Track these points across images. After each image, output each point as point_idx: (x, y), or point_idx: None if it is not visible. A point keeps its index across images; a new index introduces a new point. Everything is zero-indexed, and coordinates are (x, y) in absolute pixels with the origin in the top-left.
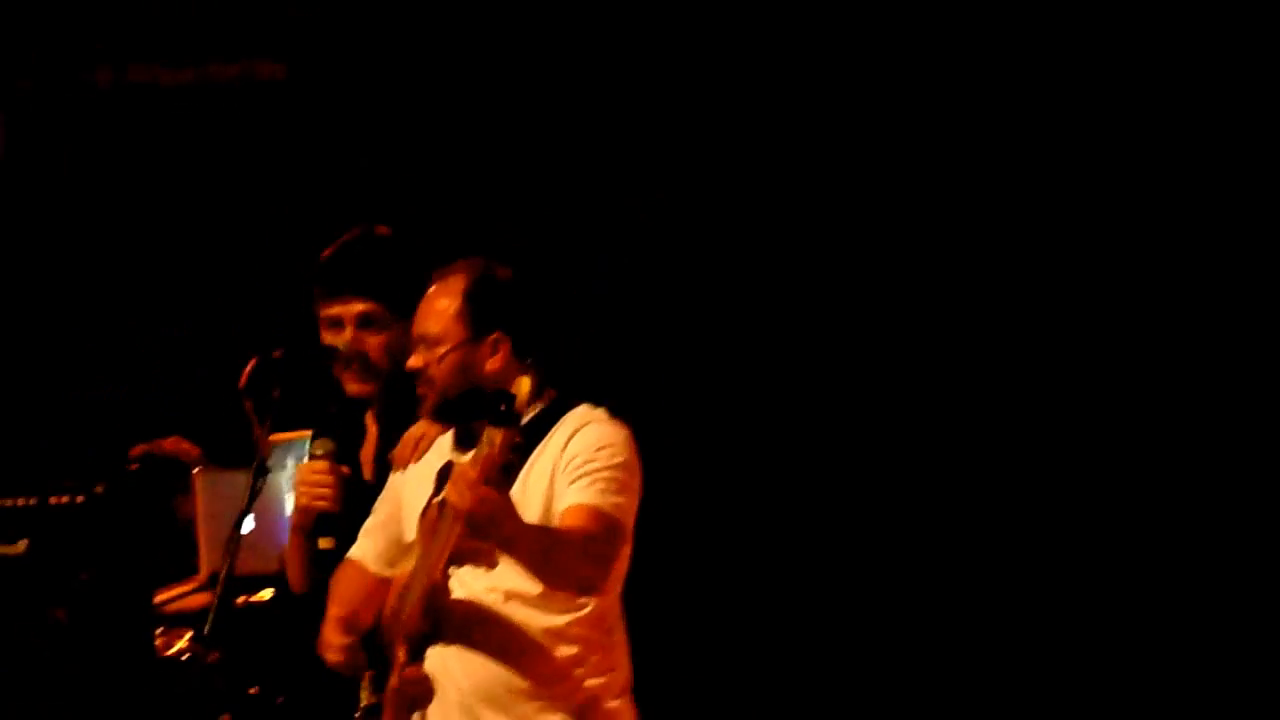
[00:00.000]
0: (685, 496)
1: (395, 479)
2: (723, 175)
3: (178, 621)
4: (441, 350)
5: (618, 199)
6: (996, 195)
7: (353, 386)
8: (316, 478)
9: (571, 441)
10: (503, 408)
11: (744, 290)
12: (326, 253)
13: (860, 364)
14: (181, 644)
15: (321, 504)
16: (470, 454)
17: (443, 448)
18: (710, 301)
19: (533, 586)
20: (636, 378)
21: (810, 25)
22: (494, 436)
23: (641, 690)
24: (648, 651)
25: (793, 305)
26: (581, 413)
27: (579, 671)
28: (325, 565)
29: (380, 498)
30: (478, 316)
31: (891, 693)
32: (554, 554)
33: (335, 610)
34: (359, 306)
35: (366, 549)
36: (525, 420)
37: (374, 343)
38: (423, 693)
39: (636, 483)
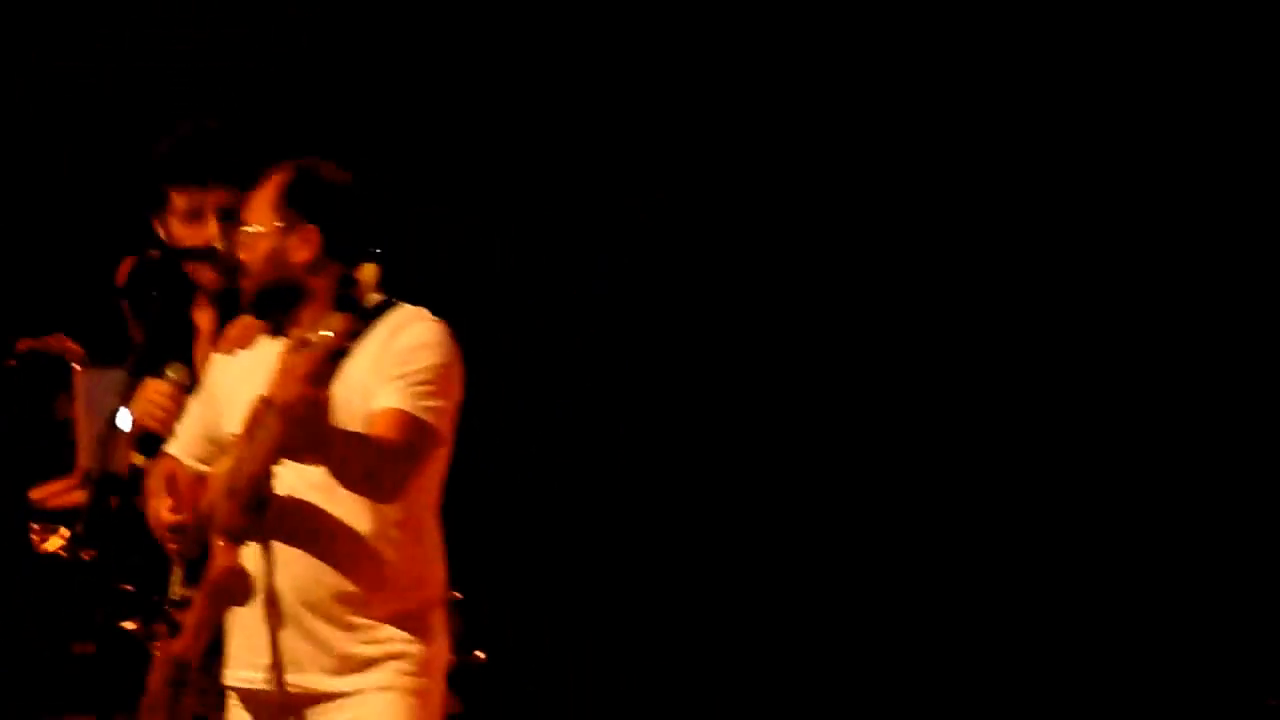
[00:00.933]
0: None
1: (213, 373)
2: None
3: (54, 518)
4: (257, 239)
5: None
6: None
7: (208, 276)
8: (158, 399)
9: (396, 337)
10: (346, 291)
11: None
12: (169, 143)
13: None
14: (57, 541)
15: (152, 424)
16: (289, 344)
17: (262, 345)
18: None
19: None
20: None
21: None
22: (334, 323)
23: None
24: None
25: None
26: (402, 312)
27: (403, 579)
28: (135, 480)
29: (197, 394)
30: (291, 207)
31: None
32: (360, 459)
33: (161, 499)
34: (219, 196)
35: (182, 444)
36: None
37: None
38: (240, 588)
39: (455, 384)
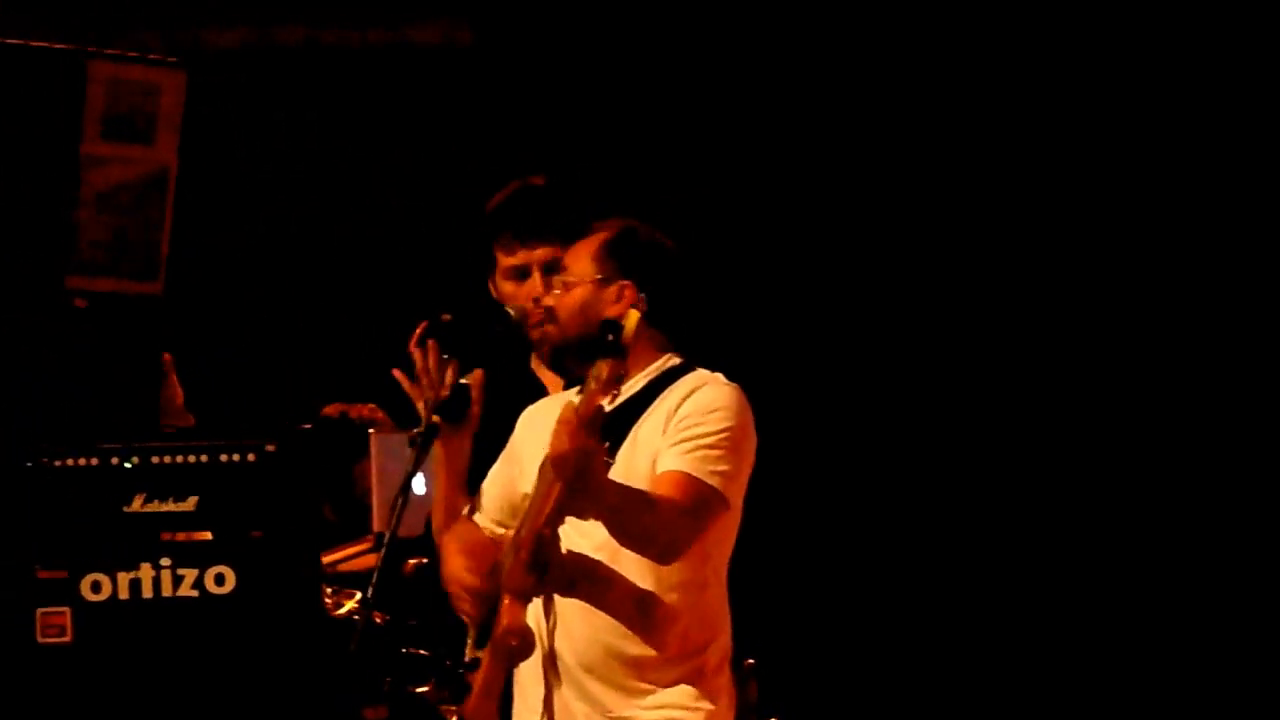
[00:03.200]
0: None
1: (518, 437)
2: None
3: (348, 582)
4: (571, 286)
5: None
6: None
7: (534, 334)
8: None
9: (685, 402)
10: (610, 338)
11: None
12: (496, 203)
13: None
14: (350, 605)
15: None
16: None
17: (561, 402)
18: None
19: None
20: None
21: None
22: (600, 370)
23: None
24: None
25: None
26: (698, 375)
27: (684, 643)
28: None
29: (501, 457)
30: (612, 262)
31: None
32: (636, 516)
33: (459, 559)
34: (544, 252)
35: (481, 507)
36: (646, 380)
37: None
38: (524, 648)
39: (746, 450)
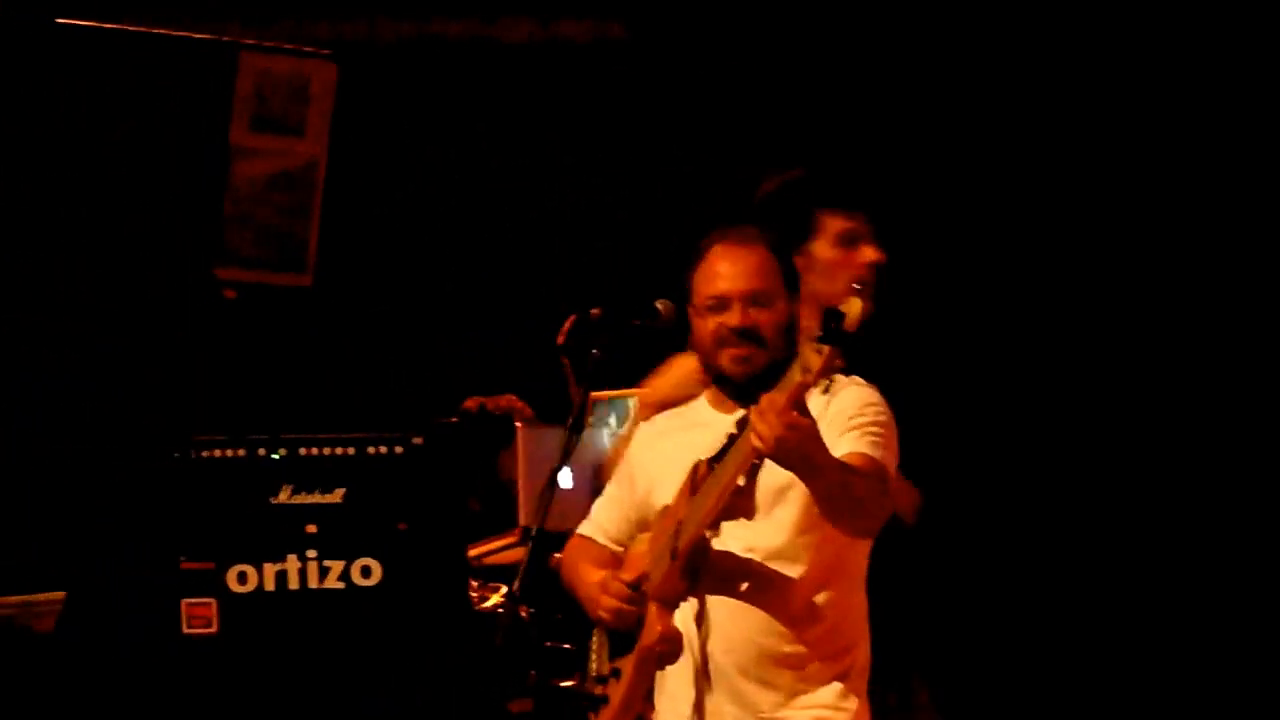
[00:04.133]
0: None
1: (637, 455)
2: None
3: (493, 575)
4: (778, 306)
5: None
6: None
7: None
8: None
9: (835, 399)
10: (832, 325)
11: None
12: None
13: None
14: (496, 598)
15: None
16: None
17: (689, 417)
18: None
19: (791, 548)
20: None
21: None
22: (811, 360)
23: None
24: None
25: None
26: (839, 379)
27: (832, 643)
28: None
29: (617, 473)
30: (788, 276)
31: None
32: (852, 486)
33: (599, 573)
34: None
35: (598, 525)
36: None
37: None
38: (674, 653)
39: (895, 446)
